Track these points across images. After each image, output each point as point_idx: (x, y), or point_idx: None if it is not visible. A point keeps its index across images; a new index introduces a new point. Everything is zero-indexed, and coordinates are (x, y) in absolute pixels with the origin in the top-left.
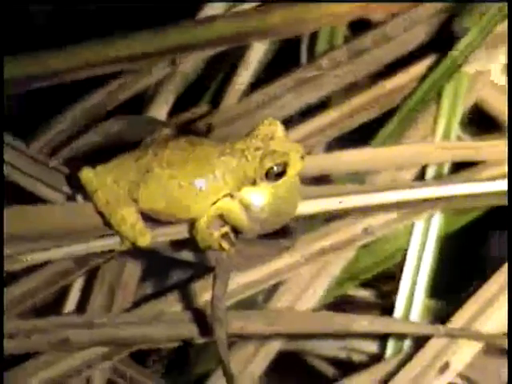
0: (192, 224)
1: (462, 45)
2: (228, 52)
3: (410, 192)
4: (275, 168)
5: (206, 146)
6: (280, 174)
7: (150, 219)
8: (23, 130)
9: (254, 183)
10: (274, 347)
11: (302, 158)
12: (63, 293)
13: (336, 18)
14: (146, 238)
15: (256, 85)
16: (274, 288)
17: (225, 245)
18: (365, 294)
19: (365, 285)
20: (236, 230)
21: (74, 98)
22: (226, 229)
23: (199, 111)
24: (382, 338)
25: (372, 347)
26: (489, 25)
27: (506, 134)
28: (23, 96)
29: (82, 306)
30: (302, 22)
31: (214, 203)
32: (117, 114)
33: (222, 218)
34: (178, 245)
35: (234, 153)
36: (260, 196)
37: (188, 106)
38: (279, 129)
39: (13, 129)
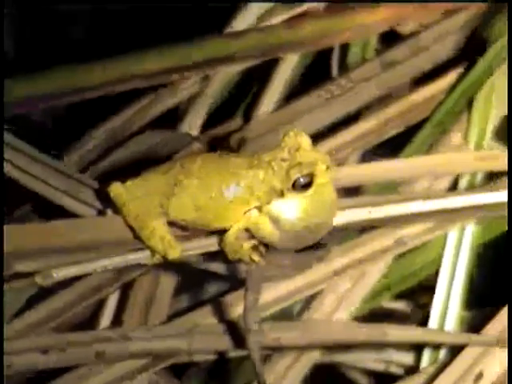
0: (221, 236)
1: (490, 54)
2: (259, 66)
3: (443, 202)
4: (301, 179)
5: (234, 158)
6: (307, 185)
7: (181, 231)
8: (55, 145)
9: (281, 195)
10: (311, 359)
11: (328, 168)
12: (98, 307)
13: (366, 30)
14: (176, 250)
15: (288, 98)
16: (309, 299)
17: (255, 256)
18: (399, 305)
19: (399, 296)
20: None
21: (107, 113)
22: (255, 241)
23: (232, 125)
24: (418, 349)
25: (408, 358)
26: None
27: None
28: (55, 111)
29: (117, 320)
30: (331, 34)
31: (245, 213)
32: (149, 129)
33: (250, 232)
34: (211, 257)
35: (261, 164)
36: (291, 210)
37: (221, 120)
38: (305, 140)
39: (44, 144)
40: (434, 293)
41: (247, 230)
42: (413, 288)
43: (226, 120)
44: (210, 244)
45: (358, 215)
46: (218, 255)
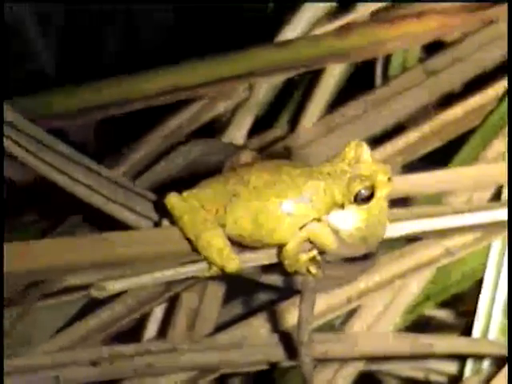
0: (280, 248)
1: None
2: (303, 75)
3: (487, 213)
4: (363, 191)
5: (292, 169)
6: (368, 198)
7: (238, 244)
8: (105, 155)
9: (342, 207)
10: (354, 369)
11: (390, 179)
12: (145, 318)
13: (411, 40)
14: (235, 263)
15: (332, 107)
16: (353, 310)
17: (313, 269)
18: (442, 314)
19: (442, 305)
20: (320, 252)
21: (154, 123)
22: (314, 253)
23: (276, 134)
24: (460, 358)
25: (450, 367)
26: None
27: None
28: (103, 122)
29: (163, 331)
30: (377, 44)
31: (302, 227)
32: (195, 138)
33: (310, 242)
34: (262, 268)
35: (321, 176)
36: (348, 220)
37: (265, 130)
38: (365, 151)
39: (95, 155)
40: (476, 302)
41: (306, 241)
42: (455, 297)
43: (270, 129)
44: (269, 256)
45: (403, 227)
46: (272, 266)
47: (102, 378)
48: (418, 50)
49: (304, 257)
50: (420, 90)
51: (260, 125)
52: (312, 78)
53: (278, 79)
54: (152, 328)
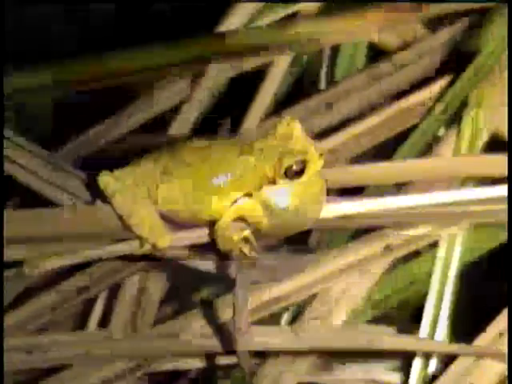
0: (213, 227)
1: (477, 64)
2: (248, 74)
3: (434, 207)
4: (294, 166)
5: (224, 145)
6: (299, 173)
7: (171, 223)
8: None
9: (273, 182)
10: (296, 373)
11: (321, 155)
12: (86, 309)
13: (356, 33)
14: (166, 239)
15: (277, 106)
16: (298, 305)
17: (246, 249)
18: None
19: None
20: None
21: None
22: (247, 232)
23: (220, 134)
24: (406, 369)
25: (395, 378)
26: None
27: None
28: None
29: (104, 322)
30: (321, 35)
31: (234, 203)
32: (141, 131)
33: (243, 220)
34: (201, 256)
35: (252, 152)
36: (281, 196)
37: (209, 126)
38: (298, 127)
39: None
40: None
41: (239, 220)
42: (401, 303)
43: (214, 127)
44: (201, 235)
45: (348, 218)
46: (209, 254)
47: (36, 366)
48: (364, 52)
49: (236, 237)
50: (363, 93)
51: (207, 122)
52: (256, 76)
53: (224, 73)
54: (94, 317)
